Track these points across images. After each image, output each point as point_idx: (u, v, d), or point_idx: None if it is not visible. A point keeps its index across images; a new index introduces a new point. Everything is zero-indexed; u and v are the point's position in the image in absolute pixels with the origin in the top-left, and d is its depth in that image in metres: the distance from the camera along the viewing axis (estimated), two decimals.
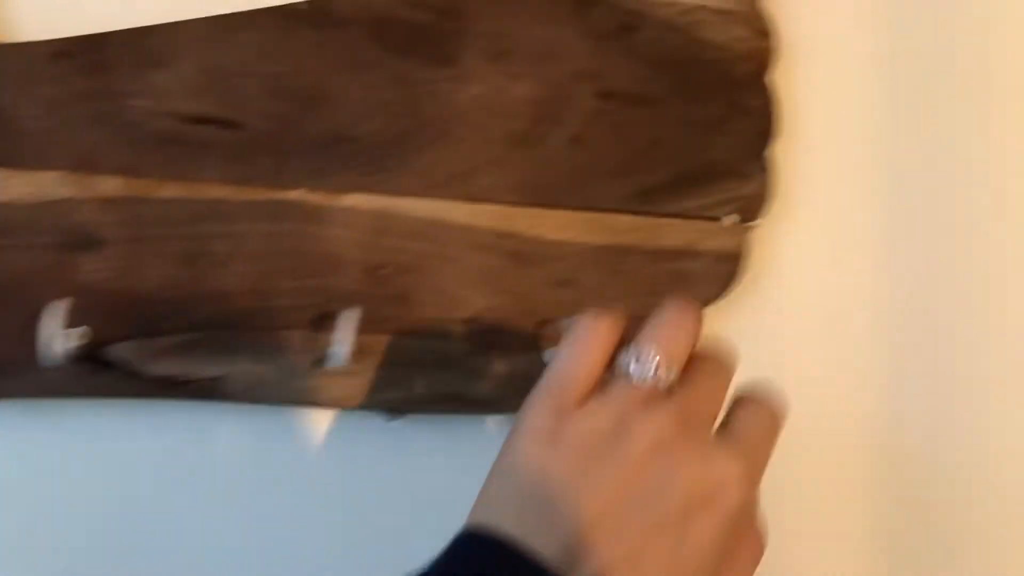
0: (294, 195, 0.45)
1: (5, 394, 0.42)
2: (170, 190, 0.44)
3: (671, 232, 0.49)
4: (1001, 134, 0.52)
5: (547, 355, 0.45)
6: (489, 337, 0.46)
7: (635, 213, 0.48)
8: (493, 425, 0.47)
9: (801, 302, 0.51)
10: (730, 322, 0.49)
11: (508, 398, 0.46)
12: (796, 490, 0.48)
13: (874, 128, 0.52)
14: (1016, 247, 0.52)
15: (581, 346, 0.31)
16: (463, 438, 0.47)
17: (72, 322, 0.40)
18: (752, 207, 0.49)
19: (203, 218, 0.44)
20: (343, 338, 0.41)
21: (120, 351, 0.42)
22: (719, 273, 0.49)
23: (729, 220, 0.49)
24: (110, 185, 0.43)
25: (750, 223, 0.49)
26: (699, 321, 0.34)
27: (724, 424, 0.32)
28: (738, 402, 0.33)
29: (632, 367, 0.30)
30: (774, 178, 0.49)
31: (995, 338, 0.52)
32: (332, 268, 0.45)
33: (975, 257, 0.52)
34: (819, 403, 0.50)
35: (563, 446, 0.29)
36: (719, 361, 0.33)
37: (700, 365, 0.32)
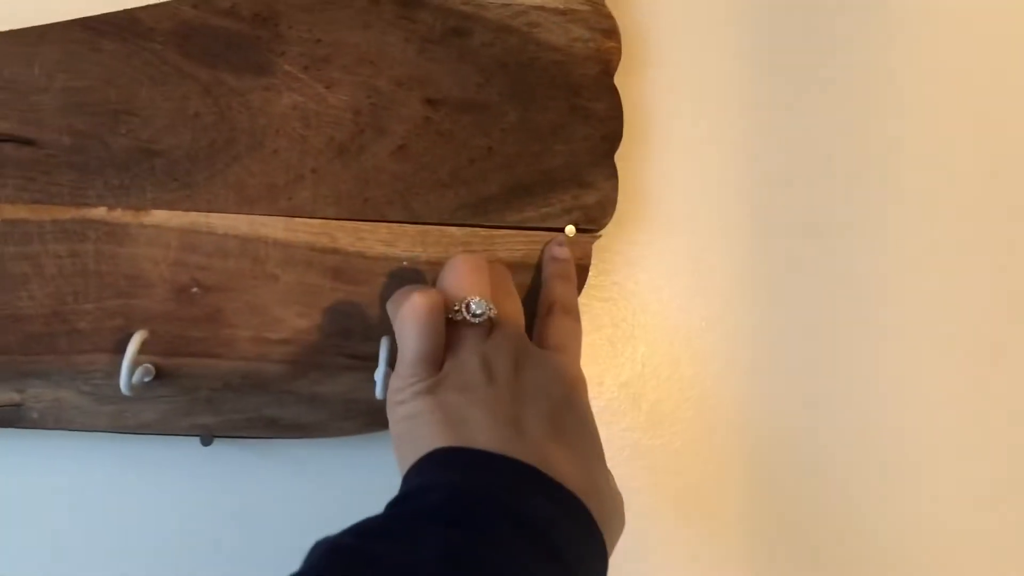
0: (96, 213, 0.43)
1: None
2: None
3: (508, 244, 0.46)
4: (848, 122, 0.49)
5: (385, 341, 0.42)
6: (307, 358, 0.44)
7: (468, 226, 0.46)
8: (307, 449, 0.45)
9: (645, 314, 0.48)
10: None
11: (327, 422, 0.44)
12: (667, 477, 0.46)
13: (729, 133, 0.49)
14: (858, 239, 0.49)
15: (422, 325, 0.36)
16: (276, 460, 0.45)
17: None
18: (596, 216, 0.46)
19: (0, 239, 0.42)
20: (128, 361, 0.39)
21: None
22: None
23: (570, 231, 0.46)
24: None
25: (594, 232, 0.47)
26: (482, 263, 0.40)
27: (542, 333, 0.41)
28: (547, 315, 0.42)
29: (468, 315, 0.37)
30: (617, 187, 0.46)
31: (840, 332, 0.49)
32: (138, 288, 0.43)
33: (827, 254, 0.49)
34: (671, 401, 0.48)
35: (450, 394, 0.35)
36: (508, 286, 0.41)
37: (497, 293, 0.39)
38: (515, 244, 0.46)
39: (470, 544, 0.28)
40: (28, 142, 0.43)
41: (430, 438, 0.33)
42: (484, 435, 0.33)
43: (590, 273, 0.47)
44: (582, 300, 0.46)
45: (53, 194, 0.43)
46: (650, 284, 0.49)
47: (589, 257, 0.46)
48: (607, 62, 0.47)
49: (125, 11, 0.44)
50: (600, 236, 0.47)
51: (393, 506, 0.31)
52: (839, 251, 0.49)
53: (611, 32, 0.47)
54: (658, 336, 0.49)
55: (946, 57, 0.50)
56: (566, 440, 0.34)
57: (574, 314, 0.43)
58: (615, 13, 0.47)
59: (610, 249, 0.49)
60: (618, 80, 0.47)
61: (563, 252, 0.45)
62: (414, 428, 0.35)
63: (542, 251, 0.45)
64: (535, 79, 0.46)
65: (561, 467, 0.33)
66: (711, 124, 0.49)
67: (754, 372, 0.48)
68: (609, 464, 0.37)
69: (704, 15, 0.49)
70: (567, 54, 0.47)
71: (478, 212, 0.46)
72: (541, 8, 0.47)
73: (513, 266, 0.46)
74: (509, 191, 0.46)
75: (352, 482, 0.45)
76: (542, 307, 0.43)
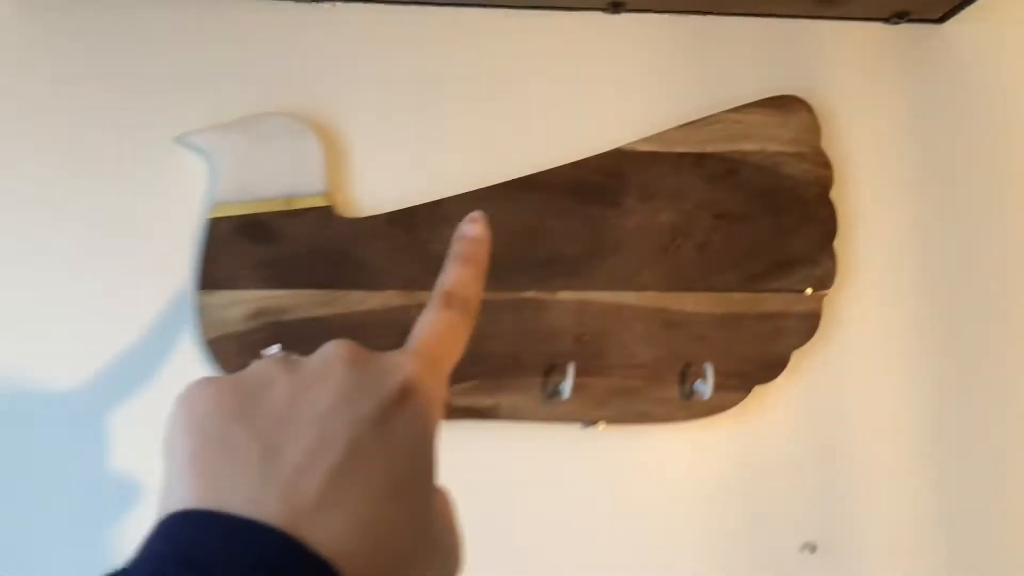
0: (528, 295, 0.73)
1: None
2: None
3: (770, 302, 0.74)
4: (1004, 230, 0.75)
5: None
6: (654, 376, 0.73)
7: (744, 291, 0.74)
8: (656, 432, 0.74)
9: (859, 344, 0.76)
10: (813, 358, 0.74)
11: (669, 413, 0.73)
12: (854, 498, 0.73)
13: (906, 228, 0.76)
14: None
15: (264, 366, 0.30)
16: (641, 444, 0.74)
17: None
18: (823, 283, 0.74)
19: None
20: (568, 381, 0.69)
21: None
22: (804, 328, 0.74)
23: (808, 292, 0.74)
24: (424, 297, 0.73)
25: (822, 293, 0.74)
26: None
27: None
28: (427, 304, 0.35)
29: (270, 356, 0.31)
30: (836, 263, 0.74)
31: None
32: (553, 338, 0.73)
33: (990, 323, 0.75)
34: (872, 421, 0.75)
35: (208, 403, 0.28)
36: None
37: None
38: (774, 303, 0.74)
39: None
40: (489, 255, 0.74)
41: (169, 489, 0.27)
42: (224, 482, 0.26)
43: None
44: (817, 350, 0.74)
45: (502, 285, 0.73)
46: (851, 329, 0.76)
47: (820, 309, 0.74)
48: (825, 185, 0.75)
49: (533, 175, 0.75)
50: (826, 295, 0.74)
51: None
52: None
53: (826, 165, 0.75)
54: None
55: None
56: (346, 478, 0.27)
57: (460, 308, 0.35)
58: (829, 154, 0.75)
59: (831, 304, 0.76)
60: (833, 195, 0.75)
61: (474, 229, 0.37)
62: (168, 438, 0.28)
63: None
64: (781, 198, 0.75)
65: (323, 522, 0.25)
66: (900, 222, 0.76)
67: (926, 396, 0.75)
68: None
69: (888, 150, 0.77)
70: (799, 181, 0.75)
71: (750, 283, 0.74)
72: (782, 153, 0.75)
73: (769, 317, 0.74)
74: (768, 269, 0.74)
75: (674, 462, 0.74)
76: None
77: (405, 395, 0.29)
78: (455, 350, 0.34)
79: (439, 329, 0.34)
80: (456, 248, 0.36)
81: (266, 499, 0.25)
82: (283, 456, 0.27)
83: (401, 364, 0.30)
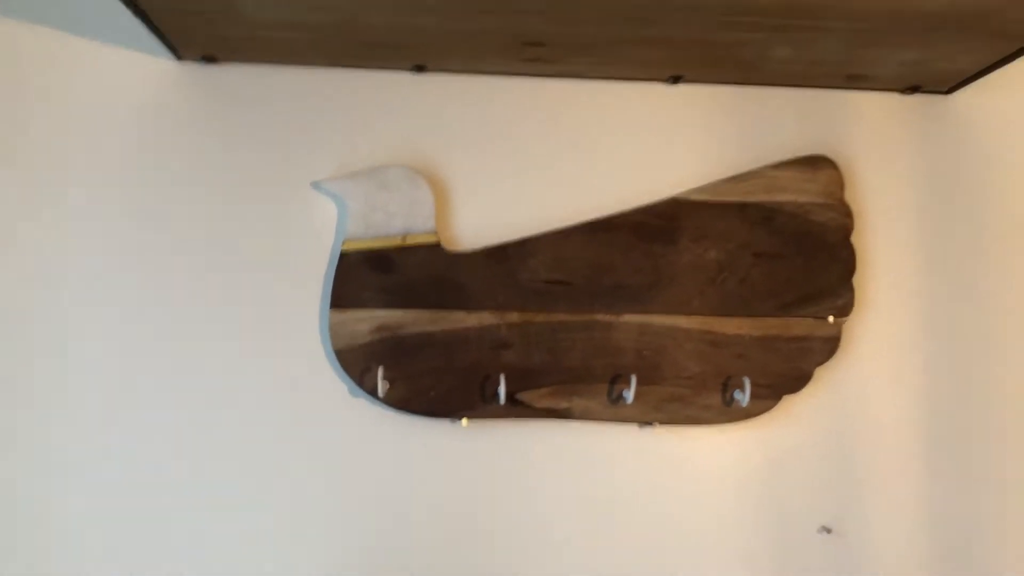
0: (598, 317, 0.89)
1: (470, 416, 0.89)
2: (540, 317, 0.89)
3: (798, 327, 0.90)
4: (1003, 274, 0.90)
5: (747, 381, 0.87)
6: (701, 387, 0.89)
7: (778, 316, 0.90)
8: (698, 431, 0.90)
9: (872, 363, 0.91)
10: (833, 373, 0.89)
11: (712, 418, 0.89)
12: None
13: (914, 268, 0.91)
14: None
15: None
16: (688, 442, 0.90)
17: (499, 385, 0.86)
18: (843, 311, 0.89)
19: (557, 330, 0.89)
20: (630, 390, 0.85)
21: (523, 396, 0.88)
22: (826, 349, 0.89)
23: (831, 319, 0.89)
24: (513, 317, 0.89)
25: (842, 320, 0.90)
26: None
27: None
28: None
29: None
30: (855, 296, 0.89)
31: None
32: (618, 353, 0.89)
33: (995, 350, 0.90)
34: (882, 425, 0.90)
35: None
36: None
37: None
38: (801, 327, 0.89)
39: None
40: (565, 283, 0.90)
41: None
42: None
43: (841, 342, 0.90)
44: (837, 367, 0.89)
45: (577, 308, 0.89)
46: (868, 351, 0.91)
47: (840, 333, 0.89)
48: (847, 231, 0.90)
49: (603, 218, 0.90)
50: (845, 321, 0.90)
51: None
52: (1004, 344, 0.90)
53: (848, 215, 0.90)
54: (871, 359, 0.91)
55: None
56: None
57: None
58: (851, 205, 0.90)
59: (849, 329, 0.91)
60: (853, 239, 0.90)
61: None
62: None
63: None
64: (809, 241, 0.90)
65: None
66: (910, 263, 0.91)
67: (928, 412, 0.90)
68: None
69: (901, 203, 0.92)
70: (825, 228, 0.90)
71: (784, 310, 0.90)
72: (812, 203, 0.90)
73: (797, 339, 0.89)
74: (799, 299, 0.90)
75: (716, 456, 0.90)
76: None
77: None
78: None
79: None
80: None
81: None
82: None
83: None
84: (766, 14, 0.75)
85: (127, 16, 0.81)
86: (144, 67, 0.90)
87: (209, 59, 0.89)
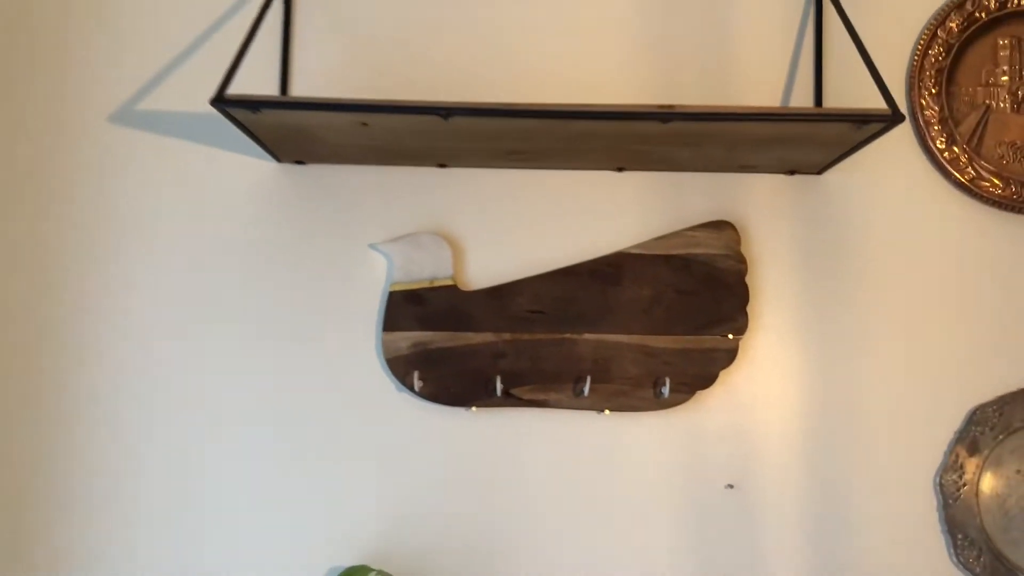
0: (566, 336, 1.28)
1: (478, 405, 1.28)
2: (526, 336, 1.29)
3: (708, 342, 1.27)
4: (859, 306, 1.27)
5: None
6: (637, 385, 1.27)
7: (693, 335, 1.27)
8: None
9: (762, 369, 1.28)
10: (733, 375, 1.27)
11: (648, 407, 1.27)
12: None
13: (792, 299, 1.28)
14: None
15: None
16: (630, 424, 1.28)
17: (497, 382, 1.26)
18: (740, 331, 1.27)
19: (537, 346, 1.28)
20: (587, 386, 1.24)
21: (514, 391, 1.27)
22: (728, 357, 1.27)
23: (731, 336, 1.27)
24: (507, 336, 1.29)
25: (739, 337, 1.27)
26: None
27: None
28: None
29: None
30: (748, 320, 1.27)
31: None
32: (580, 361, 1.28)
33: (862, 368, 1.27)
34: (769, 411, 1.28)
35: None
36: None
37: None
38: (710, 343, 1.27)
39: None
40: (557, 312, 1.29)
41: None
42: None
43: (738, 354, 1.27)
44: (735, 371, 1.27)
45: (550, 330, 1.28)
46: (758, 364, 1.29)
47: (738, 347, 1.27)
48: (743, 274, 1.28)
49: (569, 266, 1.29)
50: (741, 338, 1.27)
51: None
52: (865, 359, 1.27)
53: (744, 262, 1.28)
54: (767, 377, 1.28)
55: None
56: None
57: None
58: (746, 255, 1.28)
59: (744, 343, 1.28)
60: (747, 280, 1.27)
61: None
62: None
63: None
64: (716, 281, 1.28)
65: None
66: (789, 296, 1.28)
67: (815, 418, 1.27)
68: None
69: (784, 255, 1.29)
70: (727, 272, 1.28)
71: (697, 330, 1.27)
72: (717, 254, 1.28)
73: (707, 351, 1.27)
74: (708, 322, 1.28)
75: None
76: None
77: None
78: None
79: None
80: None
81: None
82: None
83: None
84: (663, 139, 1.14)
85: (241, 135, 1.24)
86: (253, 168, 1.32)
87: (299, 162, 1.32)
